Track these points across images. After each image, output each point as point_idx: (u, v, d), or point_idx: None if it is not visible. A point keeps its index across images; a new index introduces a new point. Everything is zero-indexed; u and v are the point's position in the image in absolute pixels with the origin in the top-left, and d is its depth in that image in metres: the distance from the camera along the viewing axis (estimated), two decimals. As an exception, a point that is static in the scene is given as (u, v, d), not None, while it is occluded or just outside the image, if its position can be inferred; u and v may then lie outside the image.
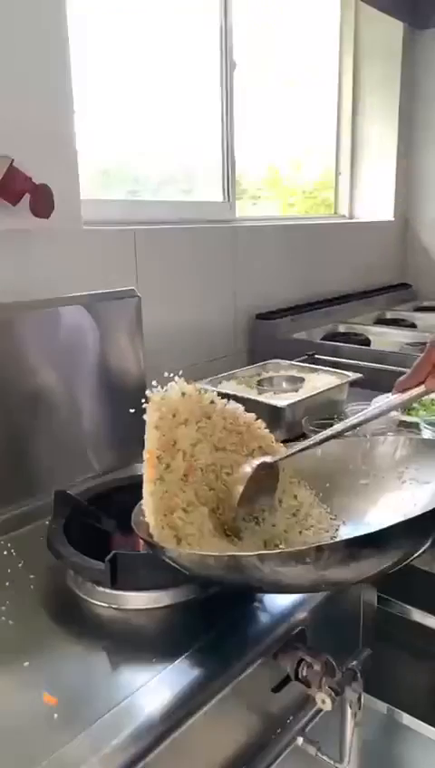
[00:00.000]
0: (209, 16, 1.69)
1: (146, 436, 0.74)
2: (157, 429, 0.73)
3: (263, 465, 0.77)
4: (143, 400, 0.75)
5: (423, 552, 0.62)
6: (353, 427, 0.79)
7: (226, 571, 0.63)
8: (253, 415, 0.83)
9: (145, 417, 0.75)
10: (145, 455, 0.73)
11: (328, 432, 0.79)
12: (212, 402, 0.79)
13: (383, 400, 0.78)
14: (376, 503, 0.80)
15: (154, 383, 0.77)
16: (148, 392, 0.75)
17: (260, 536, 0.77)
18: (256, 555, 0.59)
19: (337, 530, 0.79)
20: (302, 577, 0.59)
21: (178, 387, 0.77)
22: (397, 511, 0.74)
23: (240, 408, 0.82)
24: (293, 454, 0.79)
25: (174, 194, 1.74)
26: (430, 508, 0.60)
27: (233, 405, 0.81)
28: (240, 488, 0.74)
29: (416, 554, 0.62)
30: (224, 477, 0.77)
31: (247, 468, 0.76)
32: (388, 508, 0.78)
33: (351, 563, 0.58)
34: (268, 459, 0.78)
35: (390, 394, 0.77)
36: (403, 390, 0.75)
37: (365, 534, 0.59)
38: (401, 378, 0.75)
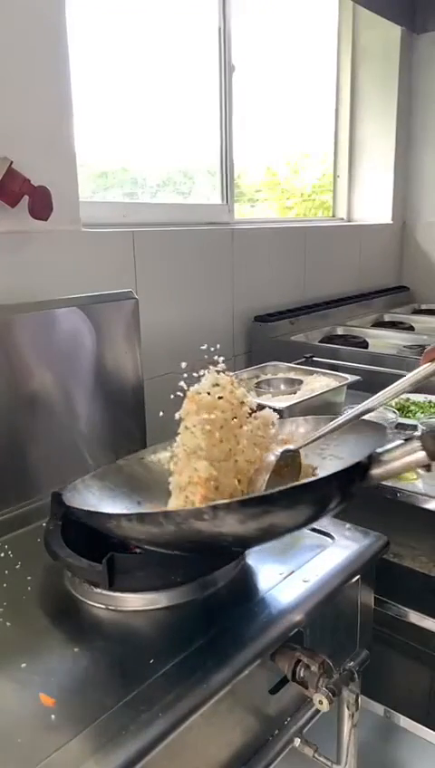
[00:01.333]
0: (208, 19, 1.70)
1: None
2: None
3: (286, 452, 0.78)
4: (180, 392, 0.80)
5: (310, 520, 0.70)
6: (381, 404, 0.79)
7: (139, 527, 0.68)
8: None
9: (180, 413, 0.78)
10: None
11: (360, 408, 0.79)
12: (242, 403, 0.80)
13: (397, 382, 0.78)
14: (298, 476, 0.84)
15: (183, 365, 0.80)
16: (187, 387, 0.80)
17: None
18: (161, 512, 0.66)
19: None
20: (202, 533, 0.64)
21: (212, 379, 0.81)
22: None
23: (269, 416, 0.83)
24: (314, 440, 0.81)
25: (172, 196, 1.74)
26: (315, 479, 0.68)
27: (263, 413, 0.83)
28: (265, 477, 0.75)
29: (304, 520, 0.69)
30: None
31: (271, 457, 0.77)
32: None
33: (246, 522, 0.64)
34: (291, 447, 0.79)
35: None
36: (432, 360, 0.74)
37: (256, 496, 0.66)
38: (430, 347, 0.75)
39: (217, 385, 0.80)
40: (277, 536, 0.74)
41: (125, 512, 0.81)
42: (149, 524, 0.66)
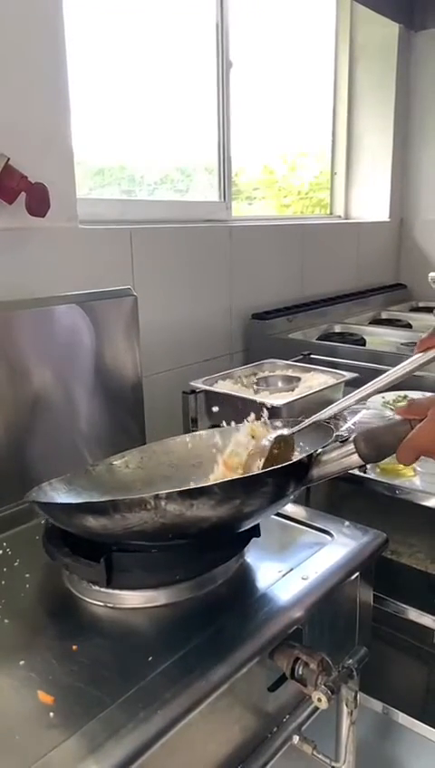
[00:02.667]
0: (205, 16, 1.70)
1: None
2: None
3: (280, 438, 0.79)
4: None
5: (250, 514, 0.72)
6: (376, 392, 0.79)
7: (89, 516, 0.69)
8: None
9: None
10: None
11: (352, 396, 0.80)
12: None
13: (378, 399, 0.78)
14: None
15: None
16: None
17: None
18: (109, 501, 0.68)
19: None
20: (146, 523, 0.66)
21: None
22: None
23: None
24: (307, 425, 0.81)
25: (170, 194, 1.74)
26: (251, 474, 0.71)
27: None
28: (261, 462, 0.77)
29: (241, 514, 0.71)
30: None
31: (265, 442, 0.79)
32: None
33: (186, 512, 0.66)
34: (285, 432, 0.81)
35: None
36: (426, 349, 0.74)
37: (197, 487, 0.68)
38: (424, 336, 0.75)
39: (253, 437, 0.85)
40: (216, 529, 0.75)
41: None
42: (97, 514, 0.68)
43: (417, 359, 0.75)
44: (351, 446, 0.71)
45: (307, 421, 0.82)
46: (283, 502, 0.77)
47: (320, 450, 0.74)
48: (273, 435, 0.80)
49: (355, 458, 0.71)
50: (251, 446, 0.83)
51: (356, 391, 0.80)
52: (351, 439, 0.72)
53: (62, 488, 0.87)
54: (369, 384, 0.79)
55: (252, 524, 0.77)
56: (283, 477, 0.73)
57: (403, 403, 1.30)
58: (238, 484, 0.70)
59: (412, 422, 0.68)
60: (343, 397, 0.82)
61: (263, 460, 0.78)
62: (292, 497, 0.77)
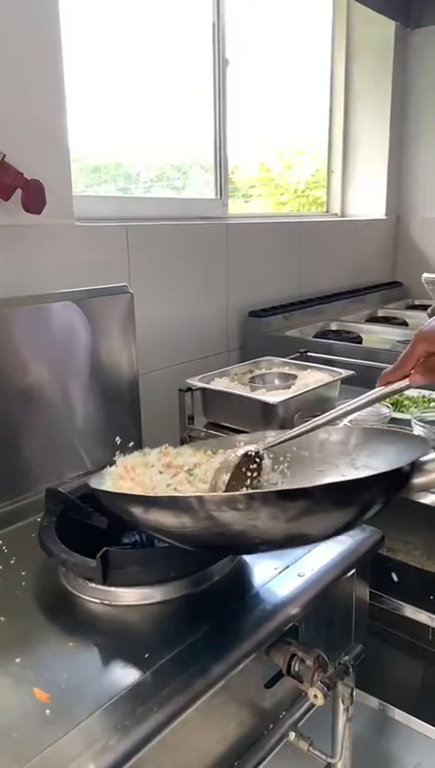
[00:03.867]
0: (202, 14, 1.69)
1: None
2: None
3: (247, 455, 0.77)
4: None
5: (353, 520, 0.65)
6: (338, 417, 0.79)
7: (169, 513, 0.64)
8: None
9: None
10: None
11: (312, 423, 0.80)
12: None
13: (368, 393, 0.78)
14: None
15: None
16: None
17: None
18: (195, 496, 0.62)
19: None
20: (234, 524, 0.60)
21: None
22: None
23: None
24: (276, 444, 0.80)
25: (166, 191, 1.74)
26: (355, 478, 0.65)
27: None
28: (226, 477, 0.75)
29: (347, 518, 0.65)
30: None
31: (232, 456, 0.76)
32: None
33: (280, 516, 0.60)
34: (252, 448, 0.79)
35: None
36: (387, 383, 0.75)
37: (296, 488, 0.62)
38: (387, 370, 0.76)
39: None
40: (307, 541, 0.71)
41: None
42: (180, 509, 0.62)
43: (378, 391, 0.76)
44: None
45: (278, 440, 0.80)
46: (372, 512, 0.68)
47: (425, 458, 0.70)
48: (240, 450, 0.78)
49: None
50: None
51: (320, 416, 0.79)
52: None
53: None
54: (331, 411, 0.79)
55: (330, 537, 0.71)
56: (388, 483, 0.67)
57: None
58: (342, 487, 0.64)
59: None
60: (314, 419, 0.81)
61: (229, 475, 0.75)
62: (380, 508, 0.69)
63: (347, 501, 0.64)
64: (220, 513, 0.60)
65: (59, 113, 1.17)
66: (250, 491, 0.61)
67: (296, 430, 0.80)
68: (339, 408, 0.79)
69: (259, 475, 0.80)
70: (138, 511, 0.67)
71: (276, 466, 0.85)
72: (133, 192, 1.63)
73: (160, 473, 0.78)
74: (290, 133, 2.20)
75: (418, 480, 0.69)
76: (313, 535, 0.68)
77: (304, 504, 0.61)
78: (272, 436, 0.85)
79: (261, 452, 0.79)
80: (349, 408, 0.78)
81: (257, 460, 0.78)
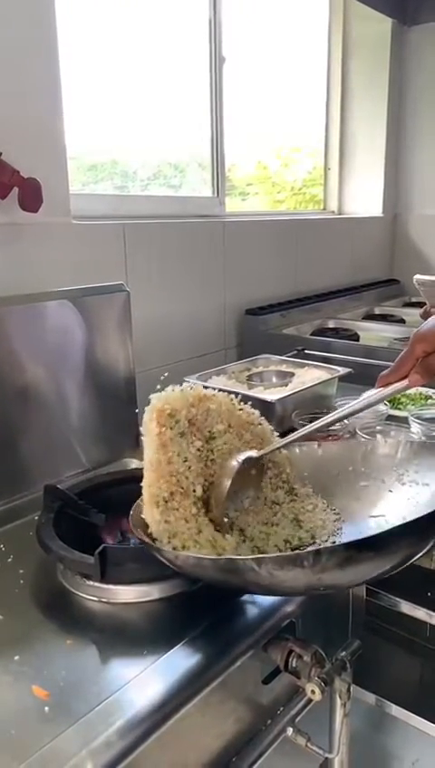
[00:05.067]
0: (199, 12, 1.69)
1: (146, 440, 0.72)
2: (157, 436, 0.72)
3: (248, 460, 0.77)
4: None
5: (422, 556, 0.62)
6: (338, 420, 0.79)
7: (221, 574, 0.63)
8: (251, 410, 0.82)
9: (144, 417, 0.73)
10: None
11: (313, 426, 0.80)
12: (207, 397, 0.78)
13: (367, 394, 0.78)
14: (376, 504, 0.80)
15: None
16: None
17: (253, 530, 0.77)
18: (253, 558, 0.58)
19: (340, 530, 0.79)
20: (298, 580, 0.58)
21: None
22: (398, 513, 0.75)
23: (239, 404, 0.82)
24: (276, 448, 0.80)
25: (163, 189, 1.74)
26: (430, 510, 0.59)
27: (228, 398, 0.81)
28: (227, 482, 0.74)
29: (414, 557, 0.61)
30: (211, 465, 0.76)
31: (233, 462, 0.76)
32: (388, 510, 0.78)
33: (348, 567, 0.57)
34: (253, 454, 0.78)
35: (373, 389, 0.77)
36: (386, 385, 0.75)
37: (364, 538, 0.58)
38: (384, 372, 0.75)
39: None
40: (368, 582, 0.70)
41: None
42: (239, 571, 0.60)
43: (376, 393, 0.75)
44: None
45: (276, 444, 0.80)
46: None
47: None
48: (242, 456, 0.76)
49: None
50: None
51: (322, 419, 0.79)
52: None
53: None
54: (332, 414, 0.79)
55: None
56: None
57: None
58: (411, 528, 0.59)
59: None
60: (315, 422, 0.81)
61: (230, 481, 0.73)
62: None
63: (414, 541, 0.60)
64: (283, 573, 0.57)
65: (56, 111, 1.17)
66: (317, 548, 0.58)
67: (293, 436, 0.80)
68: (337, 411, 0.79)
69: (261, 479, 0.79)
70: (192, 570, 0.65)
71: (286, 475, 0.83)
72: (130, 190, 1.63)
73: (182, 434, 0.73)
74: (287, 131, 2.19)
75: None
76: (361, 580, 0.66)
77: (371, 552, 0.58)
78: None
79: (260, 457, 0.79)
80: (347, 412, 0.77)
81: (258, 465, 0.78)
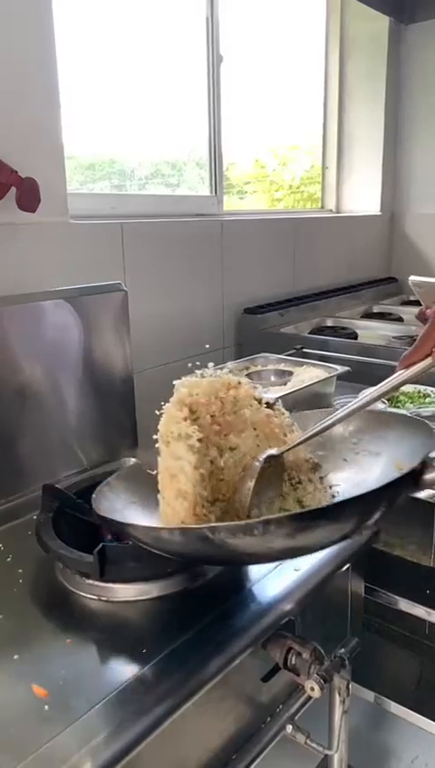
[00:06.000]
0: (196, 10, 1.69)
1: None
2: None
3: (270, 458, 0.76)
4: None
5: (369, 526, 0.66)
6: (362, 407, 0.77)
7: (179, 544, 0.65)
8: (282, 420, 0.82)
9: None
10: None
11: (337, 415, 0.78)
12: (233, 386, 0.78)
13: (369, 390, 0.77)
14: (332, 474, 0.82)
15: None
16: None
17: None
18: (208, 527, 0.61)
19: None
20: (251, 547, 0.61)
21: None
22: (352, 482, 0.78)
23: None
24: (299, 443, 0.79)
25: (160, 188, 1.74)
26: (376, 486, 0.63)
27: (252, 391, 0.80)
28: (251, 483, 0.73)
29: (362, 527, 0.66)
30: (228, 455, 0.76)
31: (256, 463, 0.75)
32: (344, 479, 0.80)
33: (297, 536, 0.61)
34: (274, 451, 0.77)
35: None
36: (408, 366, 0.73)
37: (310, 510, 0.63)
38: (406, 353, 0.74)
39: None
40: (318, 550, 0.72)
41: (151, 521, 0.76)
42: (193, 539, 0.63)
43: (398, 375, 0.74)
44: None
45: (296, 441, 0.78)
46: (389, 512, 0.68)
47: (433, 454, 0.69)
48: (263, 455, 0.75)
49: None
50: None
51: (345, 408, 0.78)
52: None
53: (120, 486, 0.83)
54: (354, 402, 0.77)
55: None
56: (400, 487, 0.67)
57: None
58: (362, 501, 0.63)
59: None
60: (337, 412, 0.79)
61: (254, 481, 0.73)
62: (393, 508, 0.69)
63: (361, 512, 0.64)
64: (235, 540, 0.60)
65: (53, 111, 1.17)
66: (266, 517, 0.61)
67: (319, 426, 0.78)
68: (362, 397, 0.77)
69: (282, 477, 0.79)
70: (150, 539, 0.68)
71: None
72: (128, 189, 1.63)
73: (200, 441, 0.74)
74: (285, 129, 2.19)
75: (429, 476, 0.68)
76: (315, 547, 0.69)
77: (321, 522, 0.61)
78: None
79: (281, 454, 0.77)
80: (372, 397, 0.76)
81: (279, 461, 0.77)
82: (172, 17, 1.62)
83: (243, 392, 0.79)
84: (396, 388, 0.75)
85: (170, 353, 1.54)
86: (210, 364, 0.83)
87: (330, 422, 0.78)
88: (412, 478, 0.67)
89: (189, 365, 0.83)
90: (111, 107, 1.52)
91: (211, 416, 0.75)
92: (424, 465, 0.68)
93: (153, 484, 0.80)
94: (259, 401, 0.79)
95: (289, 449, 0.79)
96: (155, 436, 0.76)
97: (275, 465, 0.77)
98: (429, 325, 0.71)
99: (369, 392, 0.77)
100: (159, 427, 0.77)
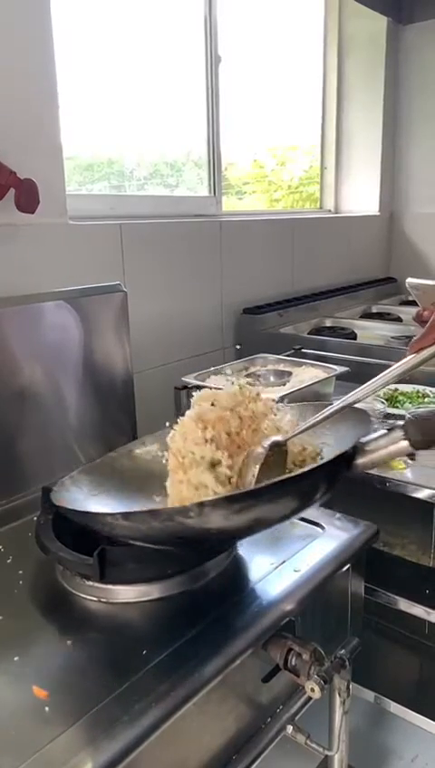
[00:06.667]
0: (194, 11, 1.69)
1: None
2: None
3: (275, 444, 0.77)
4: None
5: (306, 508, 0.71)
6: (369, 394, 0.78)
7: (125, 528, 0.68)
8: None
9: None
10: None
11: (347, 399, 0.78)
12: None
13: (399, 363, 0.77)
14: None
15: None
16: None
17: None
18: (148, 511, 0.66)
19: None
20: (191, 530, 0.64)
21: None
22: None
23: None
24: (302, 431, 0.80)
25: (159, 188, 1.74)
26: (306, 469, 0.68)
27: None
28: (255, 469, 0.74)
29: (299, 510, 0.71)
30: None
31: (260, 449, 0.76)
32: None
33: (232, 517, 0.64)
34: (280, 438, 0.78)
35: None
36: (420, 350, 0.73)
37: (243, 492, 0.66)
38: (416, 338, 0.74)
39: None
40: (263, 528, 0.74)
41: (112, 510, 0.80)
42: (137, 522, 0.67)
43: (410, 360, 0.74)
44: (400, 433, 0.69)
45: (303, 426, 0.80)
46: (327, 495, 0.74)
47: (365, 439, 0.72)
48: (267, 441, 0.77)
49: (404, 445, 0.69)
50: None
51: (353, 392, 0.78)
52: (400, 425, 0.69)
53: (83, 480, 0.85)
54: (365, 385, 0.78)
55: (292, 520, 0.75)
56: (332, 470, 0.70)
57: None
58: (290, 482, 0.67)
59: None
60: (347, 396, 0.79)
61: (258, 467, 0.74)
62: (333, 490, 0.74)
63: (291, 493, 0.68)
64: (174, 522, 0.63)
65: (52, 112, 1.17)
66: (201, 500, 0.64)
67: (321, 415, 0.79)
68: (371, 381, 0.77)
69: (285, 463, 0.80)
70: (98, 525, 0.72)
71: None
72: (126, 190, 1.63)
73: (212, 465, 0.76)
74: (283, 129, 2.19)
75: (360, 461, 0.72)
76: (261, 526, 0.72)
77: (251, 502, 0.65)
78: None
79: (286, 441, 0.79)
80: (377, 384, 0.76)
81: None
82: (170, 18, 1.62)
83: (261, 406, 0.80)
84: (406, 373, 0.75)
85: (170, 354, 1.54)
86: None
87: (335, 408, 0.78)
88: (345, 462, 0.71)
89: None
90: (110, 107, 1.52)
91: (227, 433, 0.76)
92: (355, 450, 0.72)
93: (116, 479, 0.85)
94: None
95: (294, 436, 0.80)
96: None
97: (279, 452, 0.78)
98: None
99: (377, 378, 0.77)
100: (170, 440, 0.77)
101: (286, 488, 0.66)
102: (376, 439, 0.72)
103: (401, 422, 0.70)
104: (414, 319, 1.54)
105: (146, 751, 0.56)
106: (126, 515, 0.68)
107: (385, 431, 0.72)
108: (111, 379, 1.21)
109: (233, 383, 0.81)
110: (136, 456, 0.93)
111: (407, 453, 0.70)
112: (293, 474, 0.71)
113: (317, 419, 0.79)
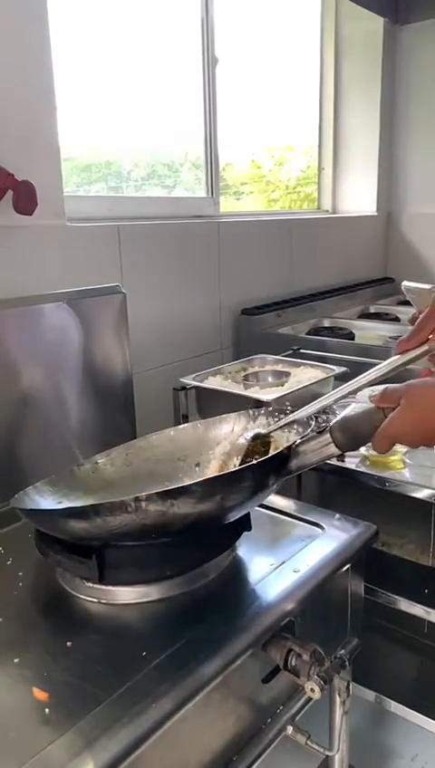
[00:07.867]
0: (191, 12, 1.69)
1: None
2: None
3: (256, 436, 0.79)
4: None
5: (241, 504, 0.73)
6: (353, 392, 0.79)
7: (66, 523, 0.70)
8: None
9: None
10: None
11: (332, 394, 0.80)
12: None
13: (367, 392, 0.78)
14: None
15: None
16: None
17: None
18: (90, 506, 0.68)
19: None
20: (129, 525, 0.66)
21: None
22: None
23: None
24: (283, 425, 0.81)
25: (157, 189, 1.74)
26: (231, 470, 0.72)
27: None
28: (237, 460, 0.76)
29: (235, 506, 0.73)
30: None
31: (242, 440, 0.77)
32: None
33: (169, 512, 0.66)
34: (262, 431, 0.80)
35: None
36: (404, 351, 0.74)
37: (177, 487, 0.67)
38: (402, 338, 0.75)
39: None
40: (206, 525, 0.75)
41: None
42: (81, 519, 0.69)
43: (394, 360, 0.75)
44: (327, 436, 0.71)
45: (285, 419, 0.81)
46: (265, 494, 0.77)
47: (298, 441, 0.75)
48: (250, 433, 0.80)
49: (332, 448, 0.71)
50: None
51: (333, 391, 0.80)
52: (327, 429, 0.71)
53: (47, 490, 0.86)
54: (346, 384, 0.79)
55: (236, 517, 0.77)
56: (263, 471, 0.73)
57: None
58: (219, 480, 0.70)
59: (386, 410, 0.68)
60: (328, 393, 0.82)
61: (239, 458, 0.77)
62: (274, 489, 0.77)
63: (230, 489, 0.70)
64: (114, 517, 0.66)
65: (49, 114, 1.17)
66: (136, 494, 0.66)
67: (300, 412, 0.81)
68: (352, 382, 0.78)
69: (269, 452, 0.81)
70: (46, 523, 0.75)
71: None
72: (124, 191, 1.63)
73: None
74: (280, 130, 2.20)
75: (294, 462, 0.74)
76: (199, 519, 0.73)
77: (187, 497, 0.67)
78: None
79: (269, 433, 0.81)
80: (363, 382, 0.77)
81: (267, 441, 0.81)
82: (167, 19, 1.62)
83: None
84: (390, 374, 0.76)
85: (168, 355, 1.54)
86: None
87: (324, 402, 0.80)
88: (280, 462, 0.74)
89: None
90: (107, 108, 1.52)
91: None
92: (289, 451, 0.74)
93: (79, 490, 0.87)
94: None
95: (276, 429, 0.81)
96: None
97: (261, 443, 0.79)
98: (426, 312, 0.72)
99: (363, 376, 0.78)
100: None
101: (216, 485, 0.69)
102: (307, 441, 0.74)
103: (329, 425, 0.72)
104: (410, 321, 1.54)
105: (146, 752, 0.56)
106: (67, 512, 0.72)
107: (315, 434, 0.74)
108: (111, 381, 1.21)
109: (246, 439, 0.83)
110: (100, 467, 0.94)
111: (335, 455, 0.72)
112: (223, 472, 0.75)
113: (303, 412, 0.81)
